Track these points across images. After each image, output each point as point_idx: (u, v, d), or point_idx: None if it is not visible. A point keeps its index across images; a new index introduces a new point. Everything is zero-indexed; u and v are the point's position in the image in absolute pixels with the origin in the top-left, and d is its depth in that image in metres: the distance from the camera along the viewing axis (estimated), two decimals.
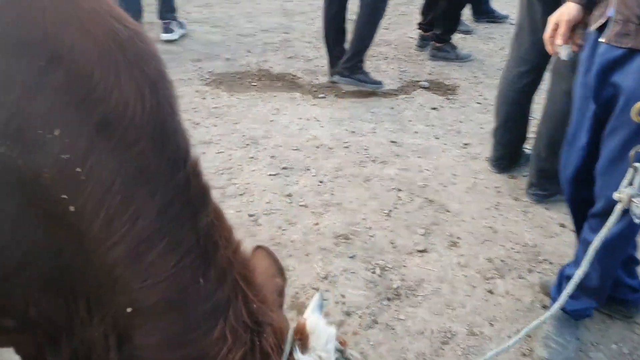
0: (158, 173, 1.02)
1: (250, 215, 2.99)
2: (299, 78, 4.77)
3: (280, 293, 1.39)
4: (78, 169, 0.96)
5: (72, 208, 0.98)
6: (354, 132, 3.94)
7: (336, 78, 4.58)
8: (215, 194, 3.19)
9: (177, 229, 1.04)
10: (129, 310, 1.07)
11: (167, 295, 1.06)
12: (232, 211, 3.01)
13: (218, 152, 3.55)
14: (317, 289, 2.54)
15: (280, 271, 1.45)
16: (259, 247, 1.48)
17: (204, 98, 4.25)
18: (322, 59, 5.10)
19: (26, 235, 1.01)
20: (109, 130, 0.96)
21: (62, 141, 0.94)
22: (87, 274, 1.06)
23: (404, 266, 2.70)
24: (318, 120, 4.07)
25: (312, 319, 1.24)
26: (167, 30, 5.16)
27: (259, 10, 6.54)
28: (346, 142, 3.78)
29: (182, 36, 5.44)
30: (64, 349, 1.19)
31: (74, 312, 1.13)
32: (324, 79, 4.76)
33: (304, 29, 5.95)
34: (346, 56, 4.48)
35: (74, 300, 1.11)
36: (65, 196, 0.97)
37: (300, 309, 2.44)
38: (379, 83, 4.55)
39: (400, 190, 3.29)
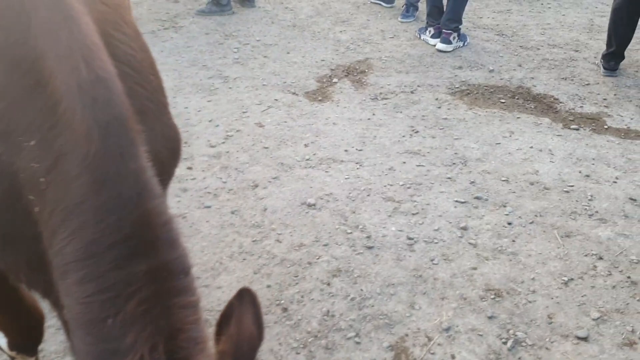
0: (90, 211, 1.10)
1: (409, 239, 2.78)
2: (560, 103, 4.19)
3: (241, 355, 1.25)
4: (42, 179, 1.12)
5: (37, 209, 1.16)
6: (588, 176, 3.32)
7: None
8: (386, 207, 2.98)
9: (97, 266, 1.11)
10: (65, 312, 1.19)
11: (79, 318, 1.14)
12: (393, 228, 2.84)
13: (418, 165, 3.37)
14: (430, 339, 2.26)
15: (259, 329, 1.30)
16: (245, 290, 1.35)
17: (439, 107, 4.04)
18: (602, 86, 4.42)
19: (7, 219, 1.23)
20: (63, 159, 1.11)
21: (35, 152, 1.12)
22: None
23: (547, 349, 2.22)
24: (552, 154, 3.53)
25: None
26: (445, 40, 4.92)
27: (561, 22, 5.91)
28: (570, 186, 3.22)
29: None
30: (57, 311, 1.41)
31: (54, 292, 1.28)
32: (591, 108, 4.10)
33: (601, 49, 5.18)
34: None
35: (51, 284, 1.26)
36: (32, 197, 1.15)
37: (400, 354, 2.21)
38: None
39: (601, 258, 2.68)
